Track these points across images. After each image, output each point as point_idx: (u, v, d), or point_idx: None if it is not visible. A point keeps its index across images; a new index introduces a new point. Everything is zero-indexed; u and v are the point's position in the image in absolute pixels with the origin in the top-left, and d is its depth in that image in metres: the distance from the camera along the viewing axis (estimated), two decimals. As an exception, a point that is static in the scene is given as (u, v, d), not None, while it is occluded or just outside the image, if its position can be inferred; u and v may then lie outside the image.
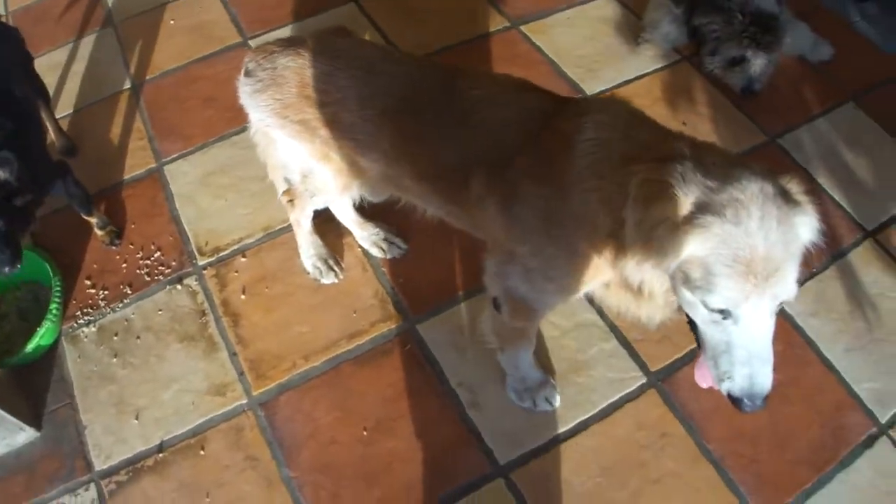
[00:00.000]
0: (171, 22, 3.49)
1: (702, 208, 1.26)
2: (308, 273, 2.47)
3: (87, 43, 3.49)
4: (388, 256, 2.49)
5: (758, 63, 2.78)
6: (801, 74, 3.00)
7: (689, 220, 1.26)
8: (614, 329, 2.28)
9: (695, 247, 1.26)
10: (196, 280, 2.55)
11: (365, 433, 2.17)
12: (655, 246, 1.30)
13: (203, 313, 2.46)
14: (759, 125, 2.81)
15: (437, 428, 2.15)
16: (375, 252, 2.50)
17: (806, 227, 1.29)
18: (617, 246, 1.43)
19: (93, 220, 2.64)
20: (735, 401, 1.36)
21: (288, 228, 2.56)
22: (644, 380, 2.19)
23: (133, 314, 2.50)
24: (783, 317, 2.22)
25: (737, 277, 1.24)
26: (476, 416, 2.16)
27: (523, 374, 2.11)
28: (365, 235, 2.50)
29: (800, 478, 2.05)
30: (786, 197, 1.28)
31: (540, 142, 1.60)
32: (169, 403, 2.30)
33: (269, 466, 2.15)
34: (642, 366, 2.21)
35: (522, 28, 3.21)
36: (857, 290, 2.36)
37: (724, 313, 1.29)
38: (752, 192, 1.25)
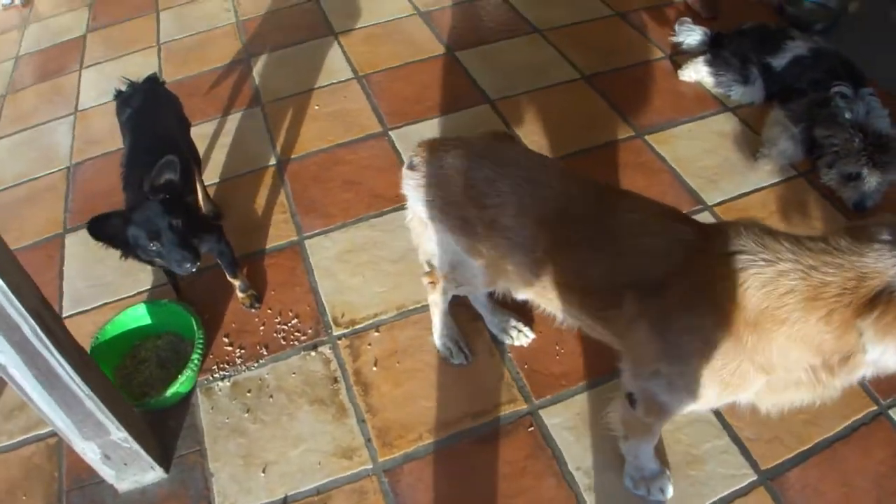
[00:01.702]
0: (316, 107, 3.77)
1: None
2: (439, 352, 2.59)
3: (234, 119, 3.79)
4: (516, 343, 2.59)
5: (872, 181, 2.88)
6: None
7: None
8: (727, 427, 2.33)
9: None
10: (330, 349, 2.69)
11: (483, 508, 2.24)
12: None
13: (335, 380, 2.59)
14: (870, 243, 2.86)
15: (555, 509, 2.22)
16: (504, 338, 2.61)
17: None
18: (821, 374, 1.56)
19: (236, 283, 2.82)
20: None
21: (420, 309, 2.70)
22: (755, 477, 2.22)
23: (267, 374, 2.64)
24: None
25: None
26: (591, 499, 2.22)
27: (642, 463, 2.17)
28: (495, 322, 2.61)
29: None
30: None
31: (696, 274, 1.67)
32: (296, 461, 2.40)
33: (388, 532, 2.23)
34: (753, 464, 2.25)
35: (647, 137, 3.37)
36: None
37: None
38: None
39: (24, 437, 2.60)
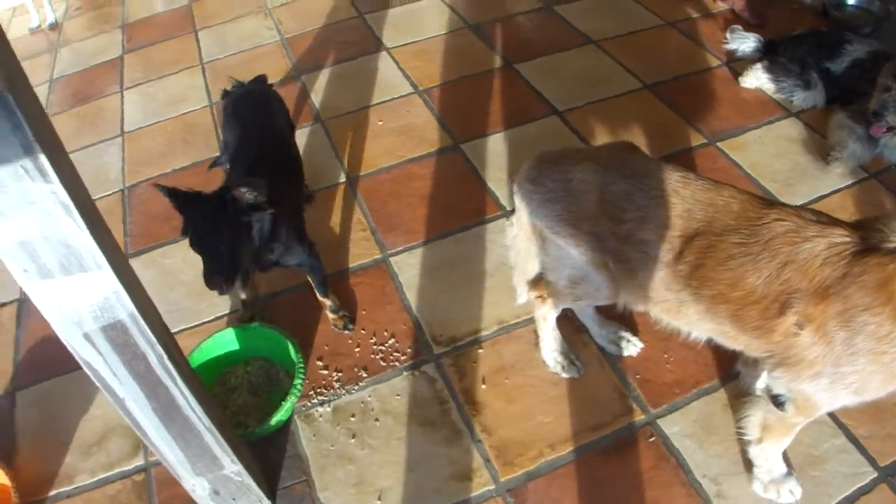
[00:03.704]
0: (379, 123, 3.75)
1: None
2: (549, 367, 2.56)
3: (297, 136, 3.73)
4: (625, 354, 2.57)
5: None
6: None
7: None
8: (842, 426, 2.34)
9: None
10: (434, 368, 2.65)
11: (615, 521, 2.22)
12: None
13: (443, 401, 2.55)
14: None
15: (687, 518, 2.21)
16: (612, 349, 2.59)
17: None
18: None
19: (327, 303, 2.77)
20: None
21: (522, 323, 2.68)
22: (875, 475, 2.23)
23: (370, 397, 2.59)
24: None
25: None
26: (722, 505, 2.22)
27: (772, 466, 2.17)
28: (602, 333, 2.59)
29: None
30: None
31: (864, 274, 1.68)
32: (413, 486, 2.35)
33: (520, 552, 2.20)
34: (871, 461, 2.26)
35: (719, 144, 3.39)
36: None
37: None
38: None
39: (107, 474, 2.51)
